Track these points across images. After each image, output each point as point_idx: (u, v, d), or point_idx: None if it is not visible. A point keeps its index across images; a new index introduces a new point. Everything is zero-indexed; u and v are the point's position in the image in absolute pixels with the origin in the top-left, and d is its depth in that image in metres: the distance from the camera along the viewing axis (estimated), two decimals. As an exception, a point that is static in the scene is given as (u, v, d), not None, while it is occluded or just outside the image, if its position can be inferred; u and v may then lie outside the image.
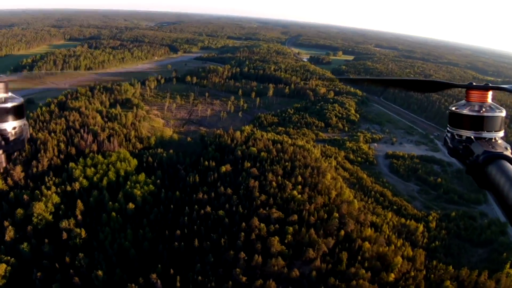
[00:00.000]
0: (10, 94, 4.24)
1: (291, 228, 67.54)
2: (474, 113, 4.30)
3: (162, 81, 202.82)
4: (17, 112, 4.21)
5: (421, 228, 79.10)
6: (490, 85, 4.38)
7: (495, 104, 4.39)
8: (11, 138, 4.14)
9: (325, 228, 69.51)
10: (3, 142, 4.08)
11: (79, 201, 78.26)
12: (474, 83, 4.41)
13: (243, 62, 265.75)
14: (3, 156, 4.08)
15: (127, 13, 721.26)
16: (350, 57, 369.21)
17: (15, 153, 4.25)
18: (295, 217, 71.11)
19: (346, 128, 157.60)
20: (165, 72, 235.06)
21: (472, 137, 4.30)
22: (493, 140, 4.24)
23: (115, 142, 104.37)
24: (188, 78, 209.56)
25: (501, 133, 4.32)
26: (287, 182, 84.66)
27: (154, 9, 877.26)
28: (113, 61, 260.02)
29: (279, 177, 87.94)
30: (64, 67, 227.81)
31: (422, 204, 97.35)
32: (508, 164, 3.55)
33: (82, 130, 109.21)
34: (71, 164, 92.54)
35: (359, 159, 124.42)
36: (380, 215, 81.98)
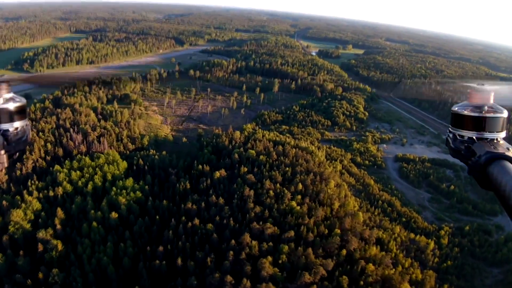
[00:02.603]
0: (12, 94, 4.32)
1: (286, 247, 60.48)
2: (476, 114, 4.33)
3: (164, 75, 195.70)
4: (19, 113, 4.30)
5: (431, 245, 71.61)
6: None
7: (497, 105, 4.38)
8: (13, 138, 4.20)
9: (325, 247, 62.33)
10: (5, 143, 4.10)
11: (59, 209, 72.62)
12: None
13: (249, 56, 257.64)
14: (5, 156, 4.09)
15: (136, 5, 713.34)
16: (360, 51, 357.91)
17: (17, 153, 4.26)
18: (292, 233, 63.94)
19: (354, 127, 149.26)
20: (169, 65, 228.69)
21: (474, 137, 4.34)
22: (495, 141, 4.25)
23: (105, 143, 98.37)
24: (191, 72, 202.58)
25: (503, 134, 4.34)
26: (286, 191, 77.39)
27: (164, 1, 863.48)
28: (116, 54, 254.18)
29: (278, 185, 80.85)
30: (66, 60, 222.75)
31: (433, 215, 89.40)
32: (510, 165, 3.55)
33: (72, 130, 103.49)
34: (56, 167, 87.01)
35: (367, 162, 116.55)
36: (387, 229, 74.42)
